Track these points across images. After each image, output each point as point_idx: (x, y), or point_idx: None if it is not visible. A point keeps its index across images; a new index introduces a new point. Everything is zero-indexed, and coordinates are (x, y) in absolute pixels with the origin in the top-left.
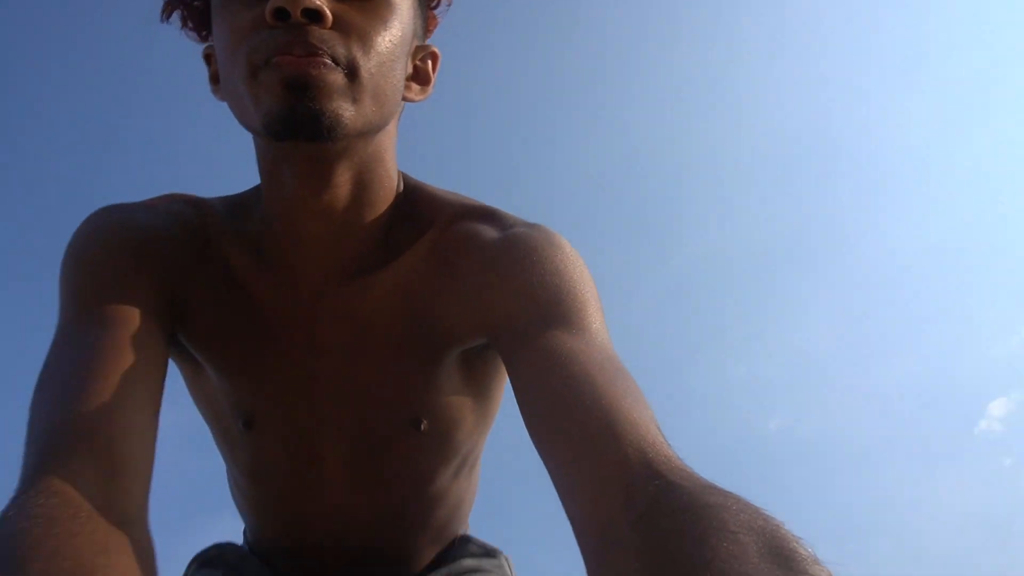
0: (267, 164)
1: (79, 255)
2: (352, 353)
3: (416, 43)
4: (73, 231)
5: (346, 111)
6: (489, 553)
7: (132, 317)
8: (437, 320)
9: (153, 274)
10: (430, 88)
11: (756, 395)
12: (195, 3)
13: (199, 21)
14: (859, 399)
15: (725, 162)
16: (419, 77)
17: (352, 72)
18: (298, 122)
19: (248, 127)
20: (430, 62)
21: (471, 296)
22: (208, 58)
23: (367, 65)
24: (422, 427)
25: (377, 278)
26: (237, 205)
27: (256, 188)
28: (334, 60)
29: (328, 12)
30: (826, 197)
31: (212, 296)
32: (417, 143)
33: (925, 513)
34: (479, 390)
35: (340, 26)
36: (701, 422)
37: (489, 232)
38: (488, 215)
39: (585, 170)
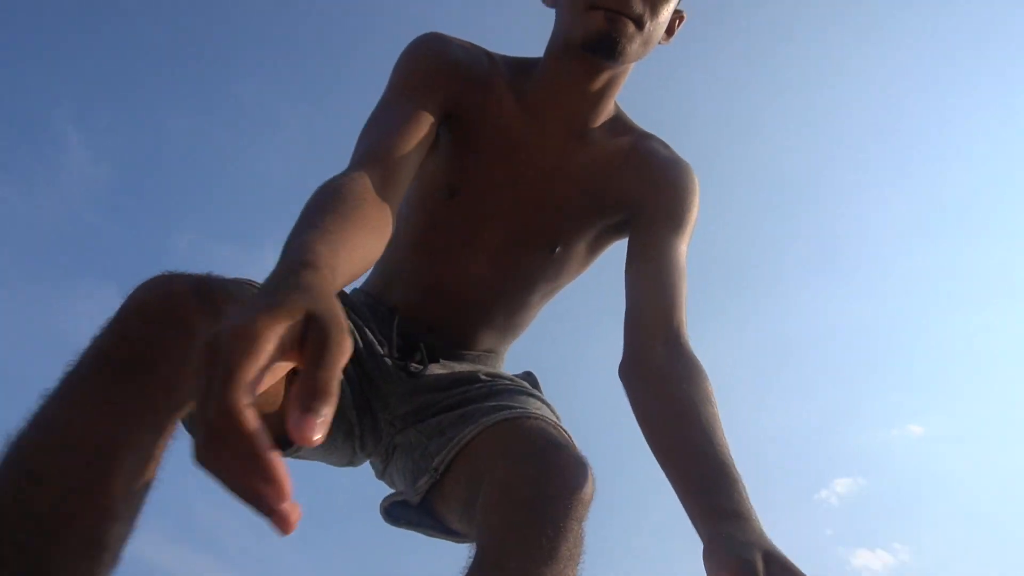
0: (560, 58)
1: (409, 58)
2: (552, 185)
3: (675, 8)
4: (416, 36)
5: (630, 49)
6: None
7: (420, 109)
8: (612, 186)
9: (446, 88)
10: (672, 38)
11: None
12: None
13: None
14: (733, 423)
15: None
16: (669, 30)
17: (640, 27)
18: (605, 46)
19: (567, 36)
20: (677, 21)
21: (640, 182)
22: None
23: (650, 25)
24: (556, 251)
25: (594, 146)
26: (517, 66)
27: (536, 61)
28: (633, 20)
29: None
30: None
31: (480, 113)
32: None
33: None
34: (592, 251)
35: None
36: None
37: (665, 152)
38: (664, 143)
39: None
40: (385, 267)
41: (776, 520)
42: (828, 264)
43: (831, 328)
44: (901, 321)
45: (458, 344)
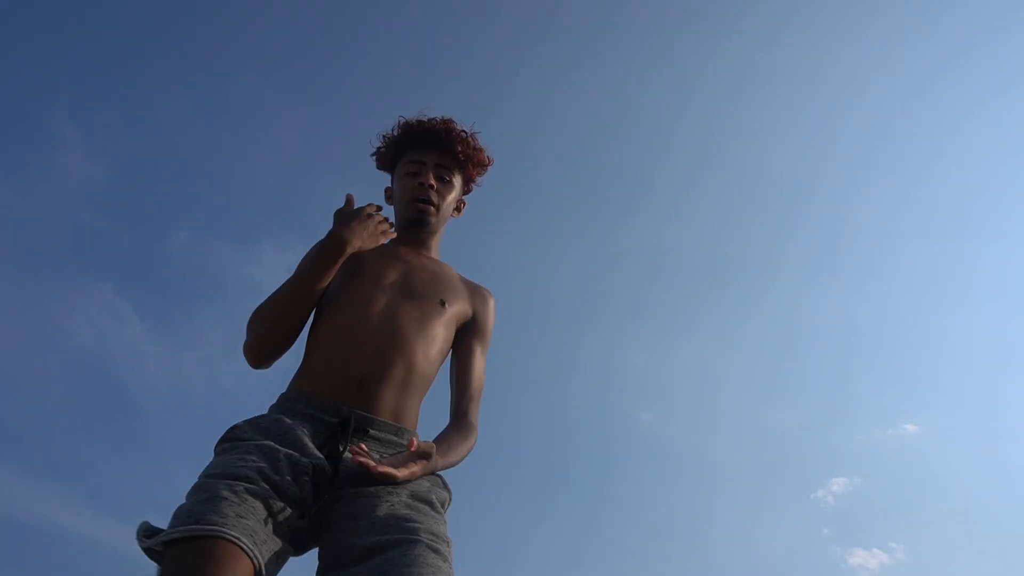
0: (400, 230)
1: None
2: (424, 268)
3: (460, 196)
4: None
5: (432, 221)
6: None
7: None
8: (459, 289)
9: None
10: (461, 214)
11: (641, 385)
12: (389, 165)
13: (386, 167)
14: (729, 422)
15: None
16: (459, 209)
17: (436, 208)
18: (419, 220)
19: (400, 218)
20: (463, 204)
21: (472, 298)
22: (387, 190)
23: (442, 207)
24: (444, 305)
25: (435, 263)
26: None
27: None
28: (432, 205)
29: (435, 188)
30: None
31: (374, 253)
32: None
33: (735, 545)
34: (453, 325)
35: (436, 192)
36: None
37: (476, 283)
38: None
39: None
40: (321, 344)
41: (773, 519)
42: (824, 264)
43: (827, 327)
44: (897, 320)
45: (375, 406)
